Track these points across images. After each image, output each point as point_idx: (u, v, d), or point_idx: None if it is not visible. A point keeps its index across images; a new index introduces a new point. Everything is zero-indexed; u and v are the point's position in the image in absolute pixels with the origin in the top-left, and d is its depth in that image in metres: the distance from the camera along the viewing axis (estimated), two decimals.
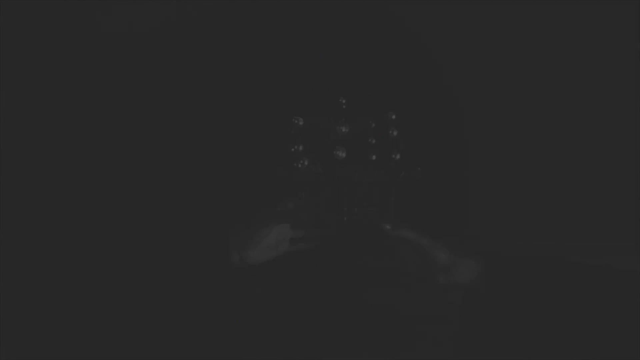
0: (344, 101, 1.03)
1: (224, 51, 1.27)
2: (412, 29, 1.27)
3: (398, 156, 1.04)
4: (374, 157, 1.06)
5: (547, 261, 1.06)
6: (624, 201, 1.26)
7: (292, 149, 1.01)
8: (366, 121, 1.04)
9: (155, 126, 1.27)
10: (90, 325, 1.09)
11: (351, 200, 1.03)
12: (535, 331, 1.04)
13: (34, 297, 1.12)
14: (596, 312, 1.01)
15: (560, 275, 1.04)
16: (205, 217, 1.22)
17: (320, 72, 1.22)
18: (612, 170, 1.28)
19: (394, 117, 1.04)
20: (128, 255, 1.10)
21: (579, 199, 1.29)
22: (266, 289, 1.13)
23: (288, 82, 1.23)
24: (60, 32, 1.24)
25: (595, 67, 1.27)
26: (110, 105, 1.26)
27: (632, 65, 1.26)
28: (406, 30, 1.25)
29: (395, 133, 1.03)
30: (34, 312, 1.12)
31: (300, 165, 1.04)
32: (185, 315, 1.08)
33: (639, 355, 1.00)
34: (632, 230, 1.25)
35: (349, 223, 1.03)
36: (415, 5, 1.26)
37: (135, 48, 1.24)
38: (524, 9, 1.26)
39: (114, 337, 1.09)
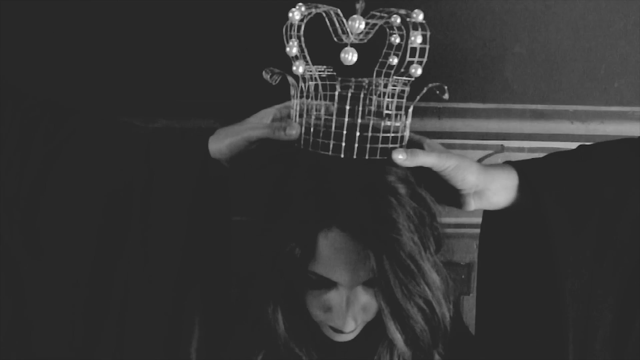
0: None
1: None
2: None
3: (419, 71, 0.85)
4: (394, 62, 0.87)
5: None
6: None
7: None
8: (390, 11, 0.83)
9: None
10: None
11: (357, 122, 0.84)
12: None
13: None
14: None
15: None
16: None
17: None
18: None
19: (421, 17, 0.83)
20: None
21: None
22: None
23: None
24: None
25: None
26: None
27: None
28: None
29: (419, 39, 0.83)
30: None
31: (270, 77, 0.85)
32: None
33: None
34: None
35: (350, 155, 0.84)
36: None
37: None
38: None
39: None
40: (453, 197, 0.90)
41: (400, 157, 0.83)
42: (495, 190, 0.88)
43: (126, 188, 0.91)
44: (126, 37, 1.26)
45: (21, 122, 0.94)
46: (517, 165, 0.90)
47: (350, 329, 0.88)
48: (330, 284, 0.86)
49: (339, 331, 0.89)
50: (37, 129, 0.93)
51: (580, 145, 0.97)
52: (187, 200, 0.89)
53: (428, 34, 0.83)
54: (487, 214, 0.98)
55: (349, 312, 0.86)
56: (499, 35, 1.29)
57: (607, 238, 0.88)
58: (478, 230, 1.02)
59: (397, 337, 0.86)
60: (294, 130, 0.85)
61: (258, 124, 0.89)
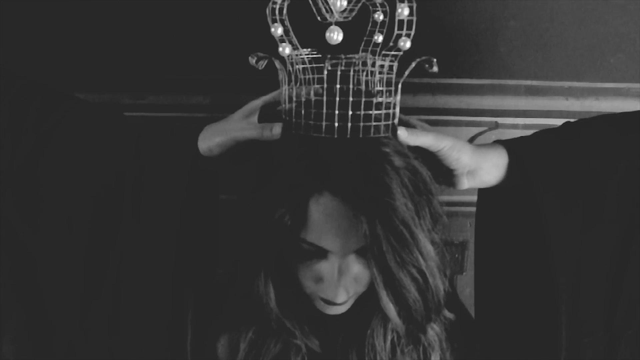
0: None
1: None
2: None
3: (408, 44, 0.83)
4: (379, 39, 0.85)
5: None
6: None
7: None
8: None
9: None
10: None
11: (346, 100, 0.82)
12: None
13: None
14: None
15: None
16: None
17: None
18: None
19: None
20: None
21: None
22: None
23: None
24: None
25: None
26: None
27: None
28: None
29: (406, 11, 0.81)
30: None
31: (256, 62, 0.83)
32: None
33: None
34: None
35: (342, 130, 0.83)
36: None
37: None
38: None
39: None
40: (446, 176, 0.93)
41: (403, 133, 0.85)
42: (487, 169, 0.92)
43: (117, 182, 0.92)
44: (114, 14, 1.24)
45: (11, 104, 0.94)
46: (506, 144, 0.93)
47: (342, 300, 0.87)
48: (322, 254, 0.85)
49: (331, 303, 0.88)
50: (28, 112, 0.93)
51: (566, 122, 0.99)
52: (179, 196, 0.91)
53: (414, 5, 0.81)
54: (482, 192, 1.01)
55: (341, 282, 0.85)
56: (493, 10, 1.27)
57: (594, 212, 0.92)
58: (472, 209, 1.04)
59: (390, 308, 0.86)
60: (279, 130, 0.86)
61: (247, 125, 0.90)
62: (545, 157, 0.92)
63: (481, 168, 0.91)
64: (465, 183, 0.92)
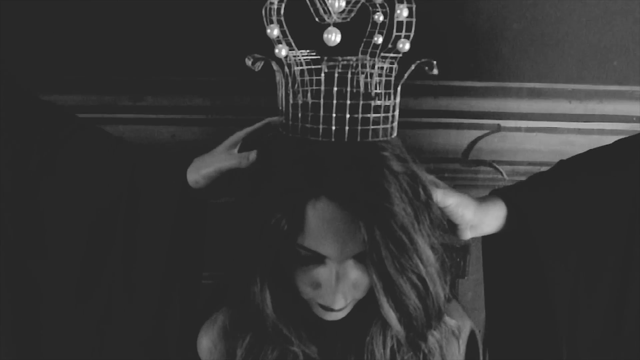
0: None
1: None
2: None
3: (407, 46, 0.82)
4: (379, 41, 0.83)
5: None
6: None
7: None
8: None
9: None
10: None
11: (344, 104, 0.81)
12: None
13: None
14: None
15: None
16: None
17: None
18: None
19: None
20: None
21: None
22: None
23: None
24: None
25: None
26: None
27: None
28: None
29: (405, 13, 0.80)
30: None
31: (253, 64, 0.82)
32: None
33: None
34: None
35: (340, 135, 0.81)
36: None
37: None
38: None
39: None
40: (451, 228, 0.98)
41: (440, 196, 0.91)
42: (487, 222, 0.97)
43: (112, 207, 1.01)
44: (114, 16, 1.24)
45: (21, 126, 1.02)
46: (504, 195, 0.99)
47: (340, 306, 0.86)
48: (319, 259, 0.84)
49: (329, 309, 0.87)
50: (35, 136, 1.02)
51: (560, 161, 1.04)
52: (169, 221, 1.00)
53: (414, 6, 0.80)
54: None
55: (339, 288, 0.84)
56: (496, 11, 1.26)
57: (591, 253, 1.00)
58: None
59: (391, 315, 0.84)
60: (255, 156, 0.91)
61: (229, 156, 0.96)
62: (543, 206, 0.98)
63: (483, 222, 0.96)
64: (469, 235, 0.97)
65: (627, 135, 1.05)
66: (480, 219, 0.96)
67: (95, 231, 1.01)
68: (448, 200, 0.92)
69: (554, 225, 0.98)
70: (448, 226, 0.96)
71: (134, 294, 1.02)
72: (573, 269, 0.99)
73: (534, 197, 0.98)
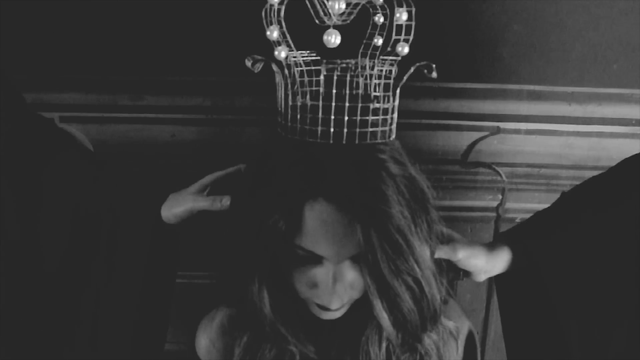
0: None
1: None
2: None
3: (406, 49, 0.82)
4: (379, 42, 0.83)
5: None
6: None
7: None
8: None
9: None
10: None
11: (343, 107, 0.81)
12: None
13: None
14: None
15: None
16: None
17: None
18: None
19: None
20: None
21: None
22: None
23: None
24: None
25: None
26: None
27: None
28: None
29: (404, 16, 0.80)
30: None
31: (252, 65, 0.82)
32: None
33: None
34: None
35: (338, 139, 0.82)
36: None
37: None
38: None
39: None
40: (465, 272, 1.04)
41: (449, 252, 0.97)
42: (499, 266, 1.03)
43: (93, 231, 1.07)
44: (113, 15, 1.24)
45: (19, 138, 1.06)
46: (509, 239, 1.04)
47: (337, 306, 0.86)
48: (317, 260, 0.84)
49: (326, 308, 0.87)
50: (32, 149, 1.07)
51: (562, 194, 1.08)
52: (144, 249, 1.07)
53: (413, 10, 0.80)
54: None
55: (335, 288, 0.84)
56: (496, 14, 1.26)
57: (600, 285, 1.05)
58: (472, 214, 1.13)
59: (384, 317, 0.85)
60: (228, 202, 0.96)
61: (199, 198, 1.01)
62: (551, 251, 1.03)
63: (495, 267, 1.02)
64: (483, 278, 1.03)
65: (626, 137, 1.05)
66: (493, 265, 1.01)
67: (76, 254, 1.07)
68: (458, 254, 0.97)
69: (563, 267, 1.03)
70: (463, 272, 1.03)
71: (109, 315, 1.09)
72: (584, 304, 1.05)
73: (542, 243, 1.03)
